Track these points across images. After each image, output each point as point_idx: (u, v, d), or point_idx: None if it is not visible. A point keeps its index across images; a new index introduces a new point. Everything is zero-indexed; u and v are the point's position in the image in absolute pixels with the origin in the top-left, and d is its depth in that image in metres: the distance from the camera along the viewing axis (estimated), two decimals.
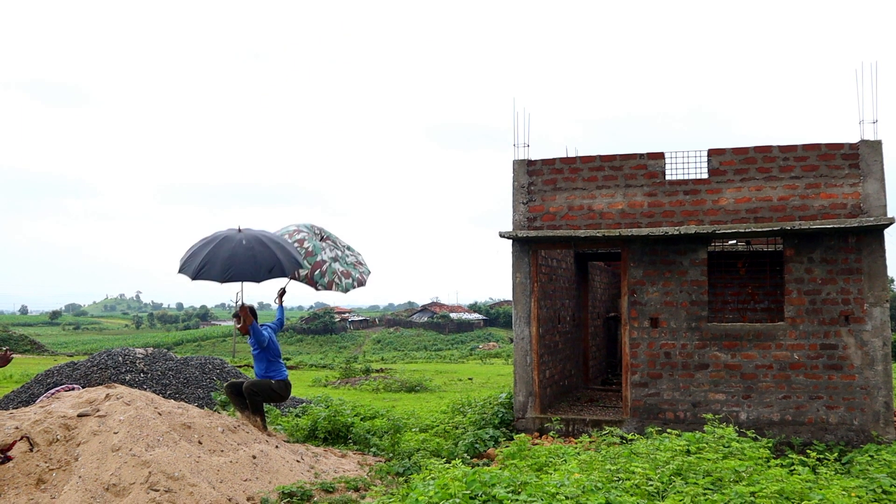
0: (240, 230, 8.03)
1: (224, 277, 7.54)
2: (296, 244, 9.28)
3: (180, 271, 7.93)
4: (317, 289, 9.29)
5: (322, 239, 9.83)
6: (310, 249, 9.38)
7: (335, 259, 9.65)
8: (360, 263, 10.03)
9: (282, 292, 9.20)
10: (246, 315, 8.59)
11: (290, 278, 8.79)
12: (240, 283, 8.30)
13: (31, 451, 6.79)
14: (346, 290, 9.48)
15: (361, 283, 9.78)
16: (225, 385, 9.60)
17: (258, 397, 9.00)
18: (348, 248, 10.13)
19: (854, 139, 9.97)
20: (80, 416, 7.30)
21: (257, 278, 7.88)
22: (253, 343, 8.92)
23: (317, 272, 9.23)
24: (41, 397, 9.29)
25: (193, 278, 7.60)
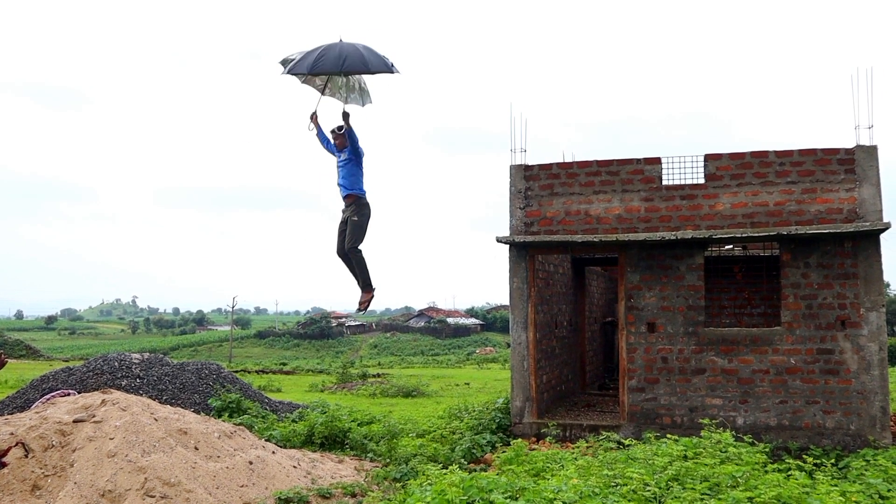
0: (340, 40, 7.83)
1: (338, 66, 7.44)
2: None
3: (290, 72, 7.75)
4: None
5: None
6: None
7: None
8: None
9: (314, 115, 8.40)
10: (315, 119, 8.22)
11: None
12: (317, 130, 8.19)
13: (27, 456, 6.76)
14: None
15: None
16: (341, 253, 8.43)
17: (363, 233, 8.12)
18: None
19: (850, 144, 10.01)
20: (75, 421, 7.28)
21: (369, 69, 7.58)
22: (349, 152, 8.13)
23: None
24: (36, 403, 9.27)
25: (309, 72, 7.55)
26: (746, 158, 10.30)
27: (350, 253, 8.07)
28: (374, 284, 8.18)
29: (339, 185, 8.20)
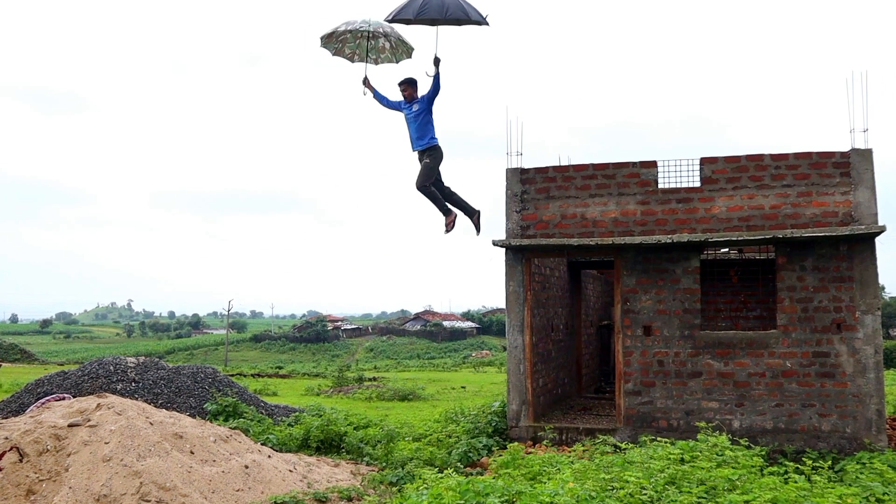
0: None
1: (442, 14, 7.70)
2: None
3: (394, 18, 7.94)
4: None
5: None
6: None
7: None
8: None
9: (366, 80, 8.59)
10: (368, 83, 8.44)
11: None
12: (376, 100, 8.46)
13: (21, 461, 6.73)
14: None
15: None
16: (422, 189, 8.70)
17: (432, 173, 8.46)
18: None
19: (845, 147, 10.04)
20: (70, 426, 7.25)
21: (469, 18, 7.86)
22: (423, 102, 8.29)
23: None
24: (31, 407, 9.24)
25: (415, 17, 7.72)
26: (742, 162, 10.33)
27: (421, 191, 8.49)
28: (452, 210, 8.71)
29: (411, 138, 8.48)
